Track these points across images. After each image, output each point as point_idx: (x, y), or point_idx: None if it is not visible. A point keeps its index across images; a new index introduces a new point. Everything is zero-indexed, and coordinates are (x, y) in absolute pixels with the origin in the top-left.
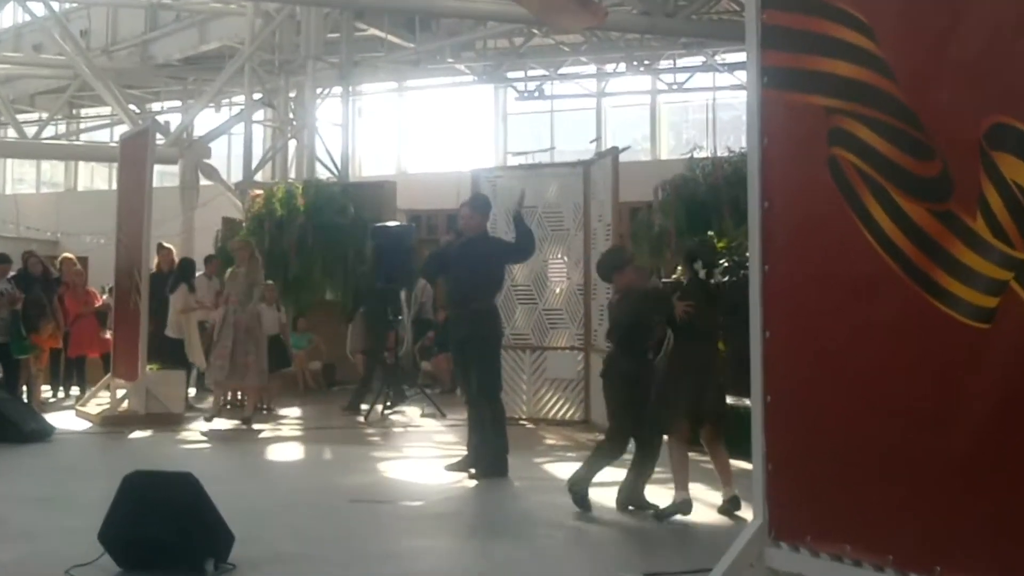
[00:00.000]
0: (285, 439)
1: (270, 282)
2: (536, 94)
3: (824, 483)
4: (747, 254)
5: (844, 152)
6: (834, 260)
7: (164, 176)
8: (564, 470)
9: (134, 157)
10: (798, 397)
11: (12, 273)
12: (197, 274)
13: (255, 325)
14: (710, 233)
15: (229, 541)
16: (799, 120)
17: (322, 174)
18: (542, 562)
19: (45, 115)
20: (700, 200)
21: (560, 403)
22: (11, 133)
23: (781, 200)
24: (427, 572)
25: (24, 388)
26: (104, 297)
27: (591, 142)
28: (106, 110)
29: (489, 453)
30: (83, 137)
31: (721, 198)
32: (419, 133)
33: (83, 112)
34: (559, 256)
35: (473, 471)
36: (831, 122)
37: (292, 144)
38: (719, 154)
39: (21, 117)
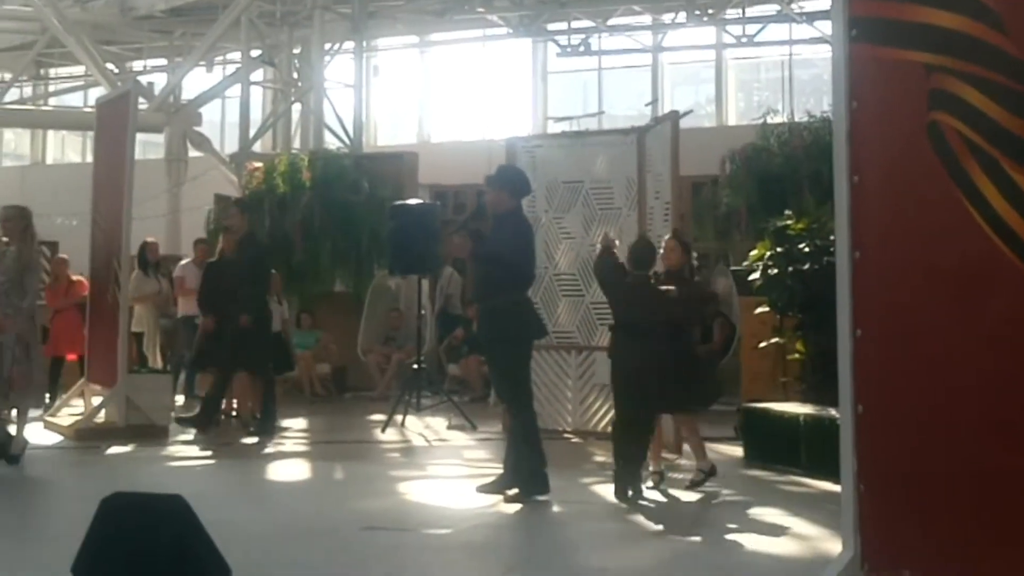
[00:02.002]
0: (289, 455)
1: (271, 271)
2: (581, 49)
3: (926, 507)
4: (832, 237)
5: (947, 117)
6: (936, 245)
7: (148, 147)
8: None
9: (112, 125)
10: (895, 407)
11: None
12: (183, 260)
13: (28, 328)
14: (787, 212)
15: (225, 575)
16: (894, 80)
17: (331, 144)
18: None
19: (8, 76)
20: (775, 173)
21: (611, 413)
22: None
23: (873, 174)
24: None
25: None
26: None
27: (647, 105)
28: (79, 70)
29: (524, 471)
30: (52, 102)
31: (799, 171)
32: (444, 96)
33: (52, 72)
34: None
35: (510, 493)
36: (932, 82)
37: (296, 109)
38: (796, 119)
39: None
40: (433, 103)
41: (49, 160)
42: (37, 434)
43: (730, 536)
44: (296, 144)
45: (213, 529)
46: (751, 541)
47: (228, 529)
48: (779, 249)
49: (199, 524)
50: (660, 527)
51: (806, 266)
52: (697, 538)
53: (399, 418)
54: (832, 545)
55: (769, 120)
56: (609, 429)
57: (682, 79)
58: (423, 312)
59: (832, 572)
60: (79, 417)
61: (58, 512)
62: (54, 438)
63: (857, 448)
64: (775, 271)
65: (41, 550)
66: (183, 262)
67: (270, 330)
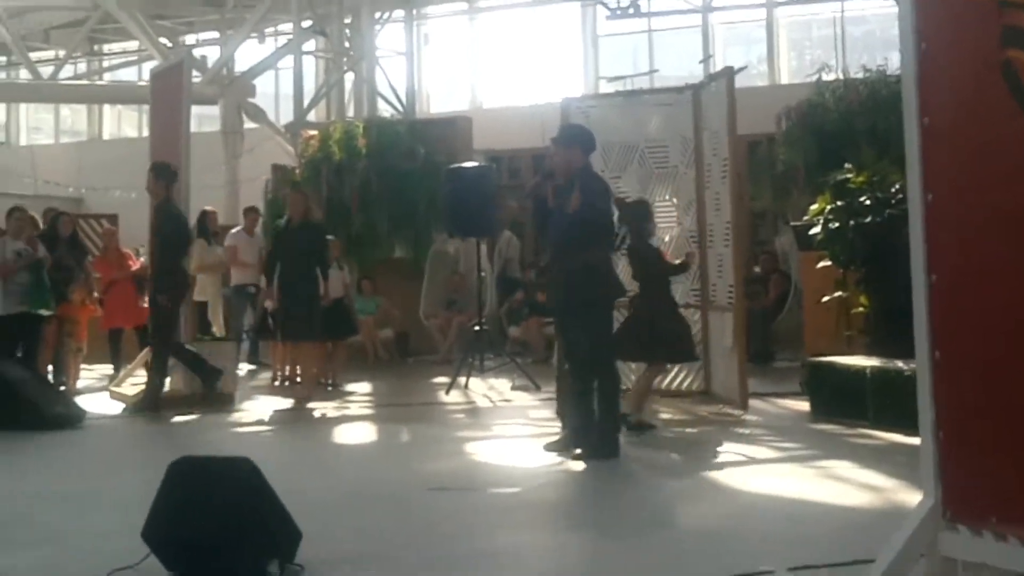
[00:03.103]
0: (354, 419)
1: (331, 237)
2: (631, 11)
3: (1011, 452)
4: (892, 189)
5: (1022, 55)
6: (1012, 186)
7: (203, 120)
8: (683, 449)
9: (167, 96)
10: (974, 350)
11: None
12: (234, 229)
13: None
14: (847, 166)
15: (295, 538)
16: (964, 17)
17: (385, 111)
18: (666, 558)
19: (62, 52)
20: (830, 129)
21: (675, 371)
22: (24, 74)
23: (945, 116)
24: (528, 574)
25: (51, 367)
26: (142, 260)
27: (700, 62)
28: (133, 45)
29: (596, 431)
30: (107, 77)
31: (856, 126)
32: (495, 61)
33: (106, 48)
34: (666, 198)
35: (578, 452)
36: (1004, 18)
37: (349, 78)
38: (852, 75)
39: (35, 55)
40: (484, 69)
41: (106, 135)
42: (102, 403)
43: (801, 490)
44: (350, 112)
45: (281, 494)
46: (823, 494)
47: (295, 493)
48: (840, 203)
49: (268, 486)
50: (728, 483)
51: (868, 219)
52: (767, 492)
53: (463, 380)
54: (906, 496)
55: (823, 77)
56: (671, 387)
57: (733, 39)
58: (483, 275)
59: (913, 521)
60: (144, 386)
61: (125, 479)
62: (119, 407)
63: (935, 394)
64: (836, 225)
65: (110, 517)
66: (234, 231)
67: (315, 297)
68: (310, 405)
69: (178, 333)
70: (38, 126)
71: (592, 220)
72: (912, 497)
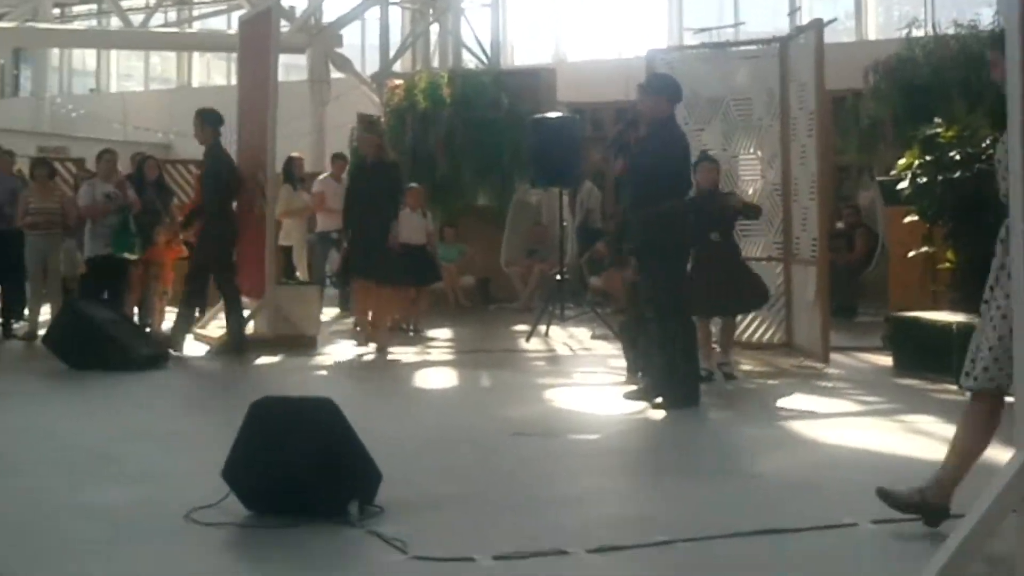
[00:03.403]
0: (435, 364)
1: (415, 185)
2: None
3: None
4: (983, 144)
5: None
6: None
7: (291, 69)
8: (763, 400)
9: (255, 45)
10: None
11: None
12: (322, 175)
13: None
14: (936, 120)
15: (375, 480)
16: None
17: (469, 62)
18: (746, 506)
19: (153, 1)
20: (920, 84)
21: (756, 323)
22: (115, 22)
23: None
24: (609, 519)
25: (136, 308)
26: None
27: (789, 14)
28: None
29: (677, 380)
30: (196, 25)
31: (947, 80)
32: (579, 14)
33: None
34: (750, 151)
35: (658, 400)
36: None
37: (434, 29)
38: (942, 31)
39: (126, 4)
40: (568, 22)
41: (195, 83)
42: (187, 345)
43: (883, 443)
44: (435, 63)
45: (361, 436)
46: (906, 447)
47: (375, 436)
48: (928, 158)
49: (349, 427)
50: (809, 435)
51: (957, 174)
52: (848, 444)
53: (543, 328)
54: (992, 452)
55: (913, 32)
56: (753, 339)
57: None
58: (564, 224)
59: (1005, 475)
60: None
61: (208, 420)
62: (203, 349)
63: None
64: (924, 180)
65: (193, 456)
66: (322, 176)
67: (386, 236)
68: (391, 350)
69: (232, 278)
70: (128, 73)
71: (666, 171)
72: (998, 453)
